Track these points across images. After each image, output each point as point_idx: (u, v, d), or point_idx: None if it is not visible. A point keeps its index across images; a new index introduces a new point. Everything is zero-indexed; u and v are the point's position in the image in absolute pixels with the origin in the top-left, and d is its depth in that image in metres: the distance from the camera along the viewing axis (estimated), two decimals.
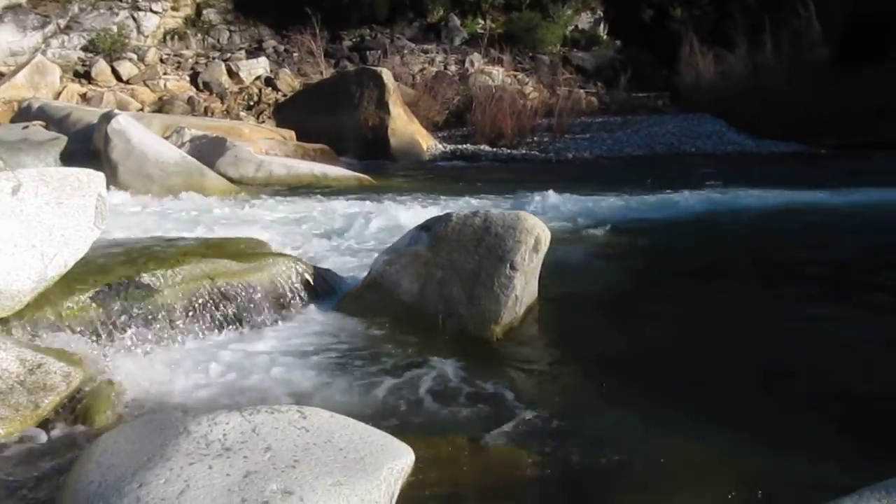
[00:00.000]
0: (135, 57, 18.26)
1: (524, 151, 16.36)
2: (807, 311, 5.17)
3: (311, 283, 4.90)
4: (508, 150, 16.29)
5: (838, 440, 3.27)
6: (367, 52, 20.77)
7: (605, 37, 26.28)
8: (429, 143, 16.25)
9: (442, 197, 9.16)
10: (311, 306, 4.78)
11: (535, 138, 17.35)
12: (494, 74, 20.50)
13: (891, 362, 4.18)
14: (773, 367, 4.12)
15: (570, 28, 25.61)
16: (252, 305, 4.47)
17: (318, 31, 19.33)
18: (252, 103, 17.93)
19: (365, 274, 5.01)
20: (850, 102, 19.63)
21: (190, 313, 4.23)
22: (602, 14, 26.64)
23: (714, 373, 4.04)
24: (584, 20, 26.45)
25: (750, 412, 3.53)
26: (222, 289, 4.40)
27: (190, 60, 18.95)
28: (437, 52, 21.69)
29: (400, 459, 2.71)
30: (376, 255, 5.15)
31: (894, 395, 3.75)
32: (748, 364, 4.16)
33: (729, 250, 7.06)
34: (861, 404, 3.64)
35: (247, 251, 5.06)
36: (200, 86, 18.05)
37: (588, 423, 3.36)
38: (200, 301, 4.29)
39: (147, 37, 19.67)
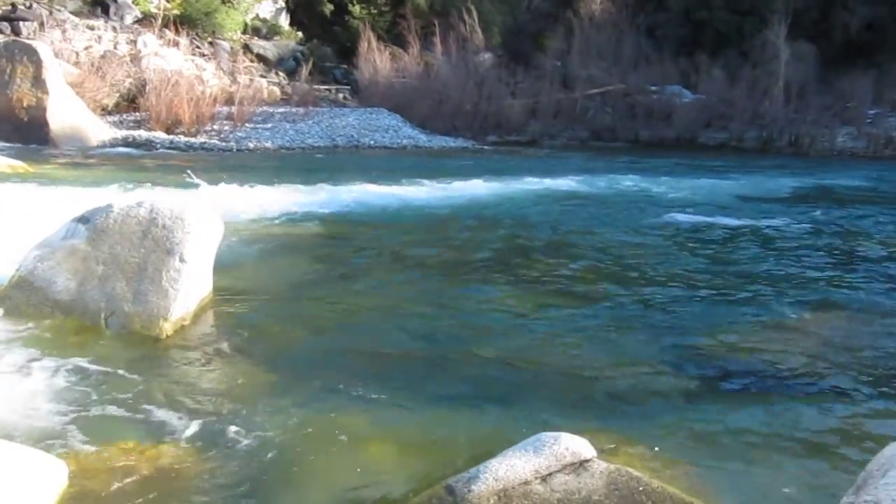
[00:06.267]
0: None
1: (203, 140, 15.84)
2: (460, 291, 5.61)
3: None
4: (186, 138, 15.66)
5: (488, 409, 3.59)
6: (21, 24, 18.51)
7: (286, 27, 26.23)
8: (97, 128, 14.97)
9: (108, 186, 8.51)
10: None
11: (215, 126, 16.86)
12: (171, 58, 19.46)
13: (538, 335, 4.69)
14: (438, 347, 4.42)
15: (251, 16, 25.16)
16: None
17: None
18: None
19: (12, 272, 4.49)
20: (509, 103, 21.85)
21: None
22: (284, 4, 26.54)
23: (384, 355, 4.24)
24: (266, 9, 26.14)
25: (414, 389, 3.75)
26: None
27: None
28: (106, 30, 19.99)
29: (50, 476, 2.50)
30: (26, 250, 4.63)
31: (544, 365, 4.19)
32: (415, 345, 4.43)
33: (404, 239, 7.46)
34: (512, 375, 4.04)
35: None
36: None
37: (259, 417, 3.33)
38: None
39: None
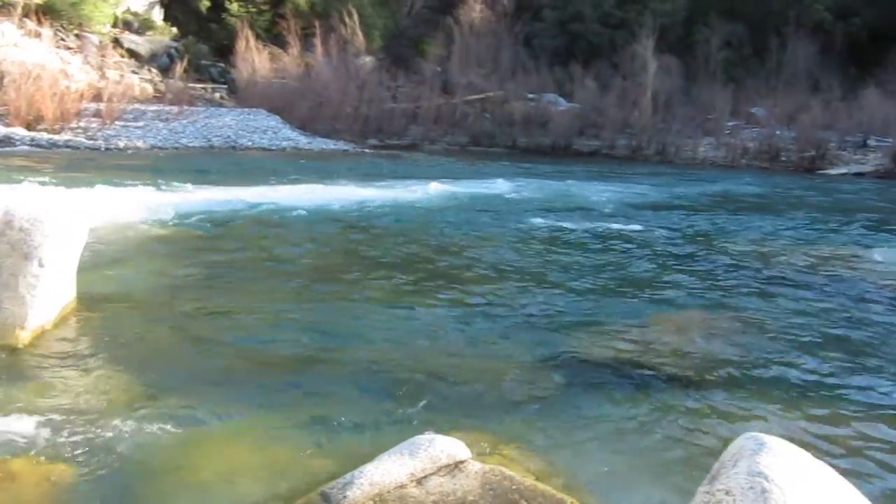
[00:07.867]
0: None
1: (68, 137, 15.06)
2: (333, 296, 5.59)
3: None
4: (49, 135, 14.83)
5: (363, 414, 3.58)
6: None
7: (160, 22, 25.28)
8: None
9: None
10: None
11: (82, 124, 16.04)
12: (32, 50, 18.36)
13: (411, 339, 4.71)
14: (310, 352, 4.37)
15: (122, 9, 24.11)
16: None
17: None
18: None
19: None
20: (390, 107, 21.91)
21: None
22: None
23: (255, 360, 4.16)
24: (138, 2, 25.11)
25: (285, 394, 3.71)
26: None
27: None
28: None
29: None
30: None
31: (417, 368, 4.21)
32: (286, 351, 4.36)
33: (277, 244, 7.32)
34: (386, 379, 4.03)
35: None
36: None
37: (122, 429, 3.20)
38: None
39: None
